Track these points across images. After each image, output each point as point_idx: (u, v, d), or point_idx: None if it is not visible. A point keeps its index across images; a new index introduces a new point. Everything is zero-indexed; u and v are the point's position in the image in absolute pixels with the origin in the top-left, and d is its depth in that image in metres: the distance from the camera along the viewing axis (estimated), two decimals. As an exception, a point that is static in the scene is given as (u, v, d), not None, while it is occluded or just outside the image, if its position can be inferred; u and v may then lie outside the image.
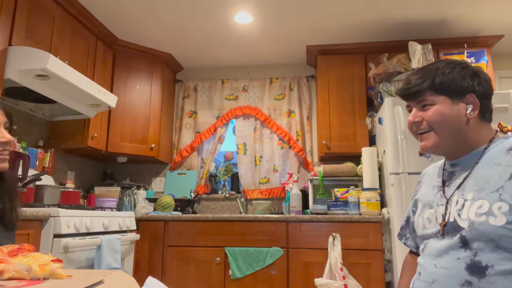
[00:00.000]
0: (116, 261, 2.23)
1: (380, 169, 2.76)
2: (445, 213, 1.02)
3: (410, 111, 1.12)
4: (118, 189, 2.96)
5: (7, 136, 1.14)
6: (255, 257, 2.61)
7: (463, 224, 0.95)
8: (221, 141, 3.61)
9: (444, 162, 1.15)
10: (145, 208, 2.93)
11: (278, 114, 3.55)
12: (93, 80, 2.71)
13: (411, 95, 1.09)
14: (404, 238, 1.29)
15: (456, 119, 1.03)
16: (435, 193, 1.11)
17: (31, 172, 2.27)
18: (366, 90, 3.14)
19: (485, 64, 2.78)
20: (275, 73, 3.67)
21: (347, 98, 3.15)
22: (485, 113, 1.06)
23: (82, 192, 2.96)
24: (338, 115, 3.14)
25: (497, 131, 1.07)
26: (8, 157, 1.16)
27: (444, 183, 1.10)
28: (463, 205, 0.98)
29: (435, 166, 1.21)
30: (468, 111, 1.03)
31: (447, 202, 1.04)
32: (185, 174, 3.56)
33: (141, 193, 3.08)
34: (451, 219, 0.99)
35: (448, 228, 1.00)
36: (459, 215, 0.98)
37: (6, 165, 1.15)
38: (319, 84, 3.26)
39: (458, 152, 1.07)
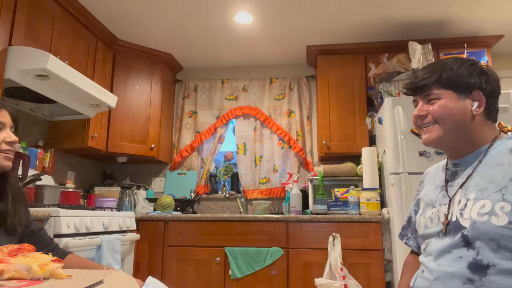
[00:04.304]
0: (116, 261, 2.23)
1: (380, 169, 2.76)
2: (448, 212, 1.02)
3: (416, 106, 1.12)
4: (118, 189, 2.96)
5: (13, 137, 1.17)
6: (255, 257, 2.61)
7: (465, 223, 0.95)
8: (221, 141, 3.61)
9: (447, 162, 1.15)
10: (145, 208, 2.93)
11: (278, 114, 3.55)
12: (93, 80, 2.70)
13: (418, 89, 1.09)
14: (405, 238, 1.29)
15: (461, 114, 1.03)
16: (438, 193, 1.11)
17: (31, 172, 2.27)
18: (366, 90, 3.14)
19: (485, 64, 2.78)
20: (275, 73, 3.67)
21: (347, 98, 3.15)
22: (491, 112, 1.06)
23: (82, 192, 2.95)
24: (338, 115, 3.14)
25: (501, 131, 1.07)
26: (13, 156, 1.18)
27: (447, 183, 1.10)
28: (465, 205, 0.98)
29: (437, 166, 1.21)
30: (473, 108, 1.03)
31: (449, 201, 1.04)
32: (185, 174, 3.56)
33: (141, 193, 3.08)
34: (454, 219, 0.99)
35: (450, 227, 1.00)
36: (461, 214, 0.98)
37: (11, 164, 1.17)
38: (319, 84, 3.26)
39: (461, 150, 1.07)
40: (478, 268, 0.91)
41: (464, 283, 0.92)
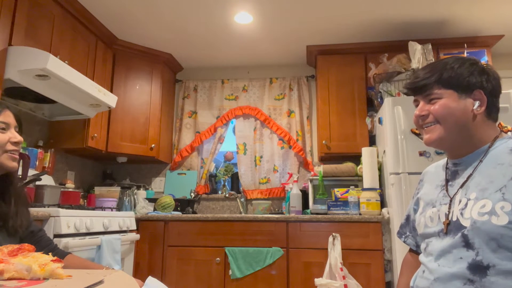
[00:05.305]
0: (116, 261, 2.23)
1: (380, 169, 2.76)
2: (449, 212, 1.02)
3: (417, 105, 1.11)
4: (118, 189, 2.96)
5: (18, 137, 1.17)
6: (255, 257, 2.61)
7: (466, 223, 0.95)
8: (221, 141, 3.61)
9: (447, 161, 1.15)
10: (145, 208, 2.93)
11: (278, 114, 3.55)
12: (93, 80, 2.70)
13: (419, 89, 1.09)
14: (404, 236, 1.29)
15: (462, 114, 1.02)
16: (438, 192, 1.11)
17: (31, 172, 2.27)
18: (366, 90, 3.14)
19: (485, 63, 2.78)
20: (275, 73, 3.67)
21: (347, 98, 3.15)
22: (492, 111, 1.05)
23: (82, 192, 2.95)
24: (338, 115, 3.14)
25: (502, 131, 1.07)
26: (18, 157, 1.17)
27: (447, 182, 1.10)
28: (466, 204, 0.98)
29: (437, 165, 1.21)
30: (475, 107, 1.02)
31: (450, 201, 1.04)
32: (185, 174, 3.56)
33: (141, 193, 3.08)
34: (454, 218, 0.99)
35: (450, 227, 1.00)
36: (461, 214, 0.97)
37: (17, 164, 1.17)
38: (319, 84, 3.26)
39: (462, 149, 1.06)
40: (478, 268, 0.91)
41: (465, 284, 0.92)
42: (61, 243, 1.89)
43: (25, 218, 1.20)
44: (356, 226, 2.57)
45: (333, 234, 2.48)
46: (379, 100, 2.89)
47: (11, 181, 1.18)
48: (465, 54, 2.73)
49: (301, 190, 2.97)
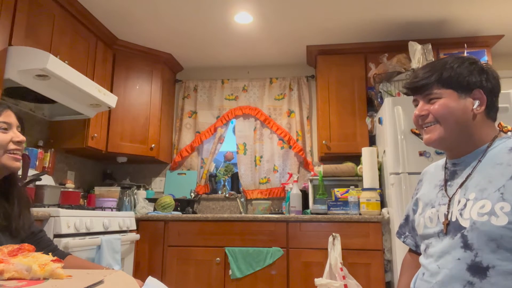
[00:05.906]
0: (116, 261, 2.23)
1: (380, 169, 2.76)
2: (448, 212, 1.02)
3: (416, 105, 1.11)
4: (118, 189, 2.96)
5: (21, 137, 1.17)
6: (255, 257, 2.61)
7: (465, 223, 0.95)
8: (221, 141, 3.61)
9: (446, 161, 1.15)
10: (145, 208, 2.93)
11: (278, 114, 3.55)
12: (93, 80, 2.70)
13: (418, 89, 1.08)
14: (403, 236, 1.29)
15: (462, 113, 1.02)
16: (437, 192, 1.10)
17: (31, 172, 2.27)
18: (366, 90, 3.14)
19: (484, 62, 2.78)
20: (275, 73, 3.67)
21: (347, 98, 3.15)
22: (491, 110, 1.05)
23: (82, 192, 2.95)
24: (338, 115, 3.14)
25: (501, 131, 1.07)
26: (21, 157, 1.17)
27: (446, 182, 1.09)
28: (465, 205, 0.97)
29: (436, 165, 1.21)
30: (474, 106, 1.02)
31: (449, 201, 1.03)
32: (185, 174, 3.56)
33: (141, 193, 3.08)
34: (453, 219, 0.99)
35: (450, 228, 0.99)
36: (461, 214, 0.97)
37: (20, 164, 1.16)
38: (319, 84, 3.26)
39: (462, 149, 1.06)
40: (478, 270, 0.91)
41: (464, 286, 0.92)
42: (61, 243, 1.89)
43: (27, 219, 1.20)
44: (356, 226, 2.57)
45: (333, 234, 2.48)
46: (379, 100, 2.89)
47: (14, 182, 1.18)
48: (465, 54, 2.73)
49: (301, 190, 2.97)
